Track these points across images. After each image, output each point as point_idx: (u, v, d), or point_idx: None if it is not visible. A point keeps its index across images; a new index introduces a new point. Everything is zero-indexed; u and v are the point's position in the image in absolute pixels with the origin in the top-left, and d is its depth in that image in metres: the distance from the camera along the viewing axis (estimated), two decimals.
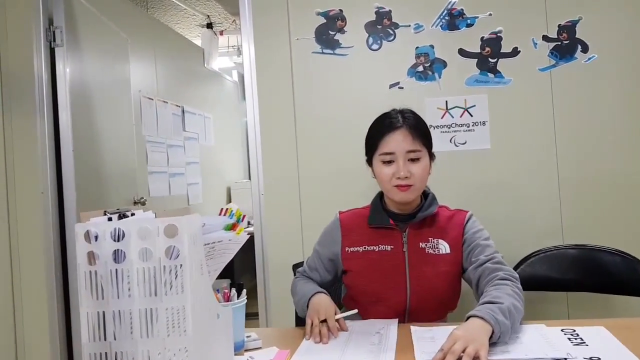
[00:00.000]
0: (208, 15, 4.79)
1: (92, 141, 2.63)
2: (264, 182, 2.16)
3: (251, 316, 2.37)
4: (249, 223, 2.20)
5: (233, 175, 4.96)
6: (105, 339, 0.78)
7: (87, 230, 0.79)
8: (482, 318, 1.09)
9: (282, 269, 1.91)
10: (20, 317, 2.18)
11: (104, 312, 0.78)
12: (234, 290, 1.14)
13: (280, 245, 2.15)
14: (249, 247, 2.27)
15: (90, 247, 0.78)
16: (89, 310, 0.78)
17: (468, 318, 1.13)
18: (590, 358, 1.03)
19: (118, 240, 0.79)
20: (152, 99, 3.62)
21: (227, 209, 1.01)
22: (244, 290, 1.16)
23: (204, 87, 4.65)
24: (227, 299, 1.13)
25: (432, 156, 1.43)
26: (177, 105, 4.03)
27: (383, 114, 1.44)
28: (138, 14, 3.59)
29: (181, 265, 0.78)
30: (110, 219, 0.84)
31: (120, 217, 0.87)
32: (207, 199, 4.41)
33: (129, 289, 0.78)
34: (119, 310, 0.78)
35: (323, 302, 1.30)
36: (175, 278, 0.79)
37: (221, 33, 5.03)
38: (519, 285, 1.28)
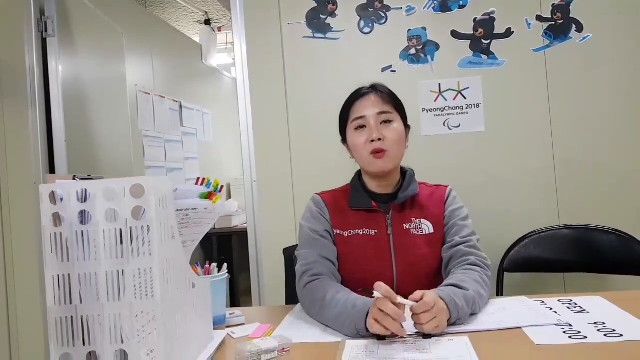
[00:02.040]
0: (206, 12, 4.79)
1: (85, 133, 2.61)
2: (256, 169, 2.15)
3: None
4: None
5: (233, 171, 4.93)
6: (71, 303, 0.76)
7: (52, 191, 0.76)
8: (442, 300, 1.05)
9: (276, 255, 1.88)
10: (13, 308, 2.17)
11: (69, 275, 0.76)
12: (214, 265, 1.12)
13: (273, 231, 2.12)
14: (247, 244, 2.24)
15: (55, 208, 0.76)
16: (54, 273, 0.76)
17: None
18: (595, 323, 1.00)
19: (84, 202, 0.77)
20: (149, 94, 3.61)
21: (204, 179, 0.99)
22: (225, 265, 1.13)
23: (202, 83, 4.63)
24: (208, 274, 1.11)
25: (407, 126, 1.39)
26: (174, 101, 4.02)
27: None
28: (134, 8, 3.58)
29: (148, 227, 0.76)
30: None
31: None
32: None
33: (96, 251, 0.76)
34: (85, 273, 0.76)
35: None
36: (143, 243, 0.77)
37: (219, 29, 5.03)
38: (489, 273, 1.26)
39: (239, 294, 4.32)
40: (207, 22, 4.86)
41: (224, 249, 4.44)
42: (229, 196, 4.92)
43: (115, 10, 3.07)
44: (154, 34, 3.74)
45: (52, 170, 2.35)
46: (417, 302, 1.00)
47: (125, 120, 3.15)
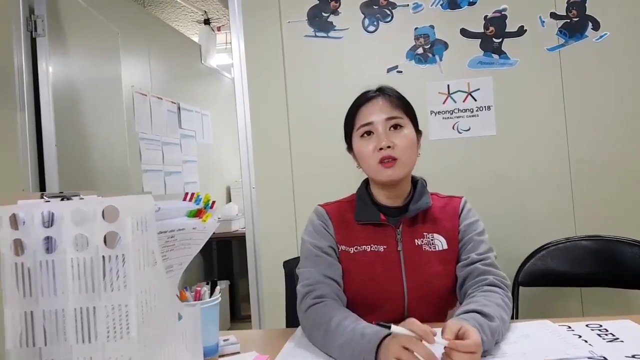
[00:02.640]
0: (205, 11, 4.69)
1: (78, 136, 2.51)
2: (255, 175, 2.04)
3: (247, 319, 2.27)
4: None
5: (233, 174, 4.84)
6: (34, 345, 0.65)
7: (13, 214, 0.66)
8: None
9: (276, 266, 1.77)
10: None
11: (32, 312, 0.66)
12: (205, 288, 1.01)
13: (273, 241, 2.03)
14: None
15: (16, 234, 0.66)
16: (14, 310, 0.66)
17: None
18: (633, 356, 0.89)
19: (50, 226, 0.66)
20: (146, 95, 3.51)
21: (193, 194, 0.88)
22: (218, 288, 1.02)
23: (201, 84, 4.54)
24: (199, 298, 1.00)
25: (418, 132, 1.27)
26: (172, 102, 3.93)
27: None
28: (130, 7, 3.48)
29: (124, 256, 0.65)
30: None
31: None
32: None
33: (63, 284, 0.66)
34: (50, 310, 0.65)
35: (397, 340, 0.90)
36: (118, 275, 0.66)
37: (219, 29, 4.93)
38: (509, 295, 1.14)
39: (239, 299, 4.24)
40: (207, 21, 4.77)
41: (223, 253, 4.36)
42: (229, 199, 4.83)
43: (110, 9, 2.97)
44: (151, 34, 3.65)
45: (41, 176, 2.25)
46: (451, 337, 0.88)
47: (120, 123, 3.05)
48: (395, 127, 1.21)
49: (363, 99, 1.26)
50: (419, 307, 1.19)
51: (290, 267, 1.57)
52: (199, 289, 1.01)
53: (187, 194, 0.88)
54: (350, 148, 1.30)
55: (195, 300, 1.01)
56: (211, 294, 1.02)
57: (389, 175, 1.19)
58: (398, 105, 1.22)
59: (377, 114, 1.21)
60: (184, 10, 4.64)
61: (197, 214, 0.85)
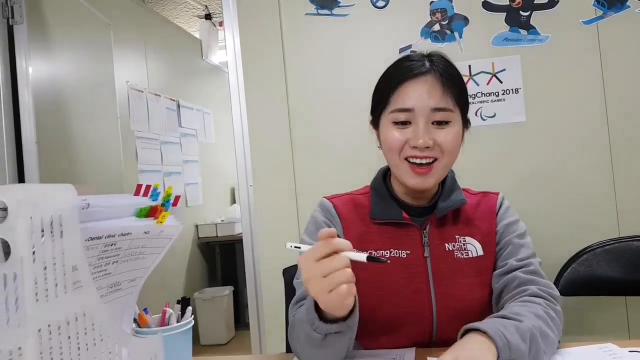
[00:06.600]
0: (206, 6, 4.51)
1: (63, 134, 2.32)
2: (252, 171, 1.83)
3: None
4: None
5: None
6: None
7: None
8: (485, 333, 0.75)
9: (278, 272, 1.56)
10: None
11: None
12: (170, 312, 0.78)
13: (274, 246, 1.81)
14: None
15: None
16: None
17: (464, 333, 0.80)
18: None
19: None
20: (142, 92, 3.31)
21: (149, 186, 0.66)
22: (189, 309, 0.80)
23: (202, 81, 4.36)
24: (164, 323, 0.78)
25: (466, 123, 1.01)
26: (171, 99, 3.73)
27: (402, 57, 1.03)
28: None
29: (15, 276, 0.43)
30: None
31: None
32: (208, 200, 4.10)
33: None
34: None
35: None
36: (6, 302, 0.44)
37: (220, 24, 4.74)
38: (557, 308, 0.90)
39: (243, 306, 4.03)
40: (208, 16, 4.57)
41: (227, 258, 4.16)
42: (233, 201, 4.63)
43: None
44: (146, 27, 3.46)
45: (21, 178, 2.05)
46: None
47: (114, 120, 2.85)
48: (441, 122, 0.96)
49: (408, 73, 0.97)
50: (450, 326, 0.96)
51: (291, 276, 1.35)
52: (165, 309, 0.79)
53: (139, 185, 0.66)
54: (375, 123, 1.05)
55: (161, 325, 0.78)
56: (182, 315, 0.80)
57: (419, 184, 0.96)
58: (451, 88, 0.95)
59: (422, 99, 0.94)
60: (185, 7, 4.47)
61: (150, 212, 0.63)
